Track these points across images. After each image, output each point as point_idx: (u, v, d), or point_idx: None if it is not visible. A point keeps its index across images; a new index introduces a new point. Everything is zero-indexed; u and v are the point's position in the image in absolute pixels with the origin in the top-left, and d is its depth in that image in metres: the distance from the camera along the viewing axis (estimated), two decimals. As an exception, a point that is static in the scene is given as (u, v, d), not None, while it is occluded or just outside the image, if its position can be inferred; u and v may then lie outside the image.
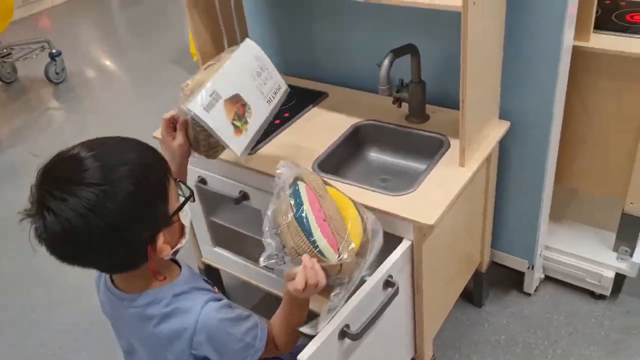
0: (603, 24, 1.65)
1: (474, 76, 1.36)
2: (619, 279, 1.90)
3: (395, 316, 1.44)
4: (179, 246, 1.09)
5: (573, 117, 1.70)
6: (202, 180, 1.72)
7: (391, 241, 1.38)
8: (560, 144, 1.70)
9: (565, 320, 1.88)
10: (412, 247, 1.39)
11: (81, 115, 3.65)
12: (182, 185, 1.09)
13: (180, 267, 1.15)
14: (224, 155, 1.59)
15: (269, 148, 1.64)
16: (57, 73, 3.95)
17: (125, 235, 0.95)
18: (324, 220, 1.11)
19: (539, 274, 1.95)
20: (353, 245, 1.13)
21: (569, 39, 1.49)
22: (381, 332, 1.35)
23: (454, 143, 1.53)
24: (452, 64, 1.38)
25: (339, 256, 1.10)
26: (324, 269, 1.09)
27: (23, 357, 2.05)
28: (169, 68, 3.91)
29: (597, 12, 1.59)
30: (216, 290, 1.17)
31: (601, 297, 1.93)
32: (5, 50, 3.99)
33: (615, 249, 1.87)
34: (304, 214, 1.10)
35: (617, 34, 1.63)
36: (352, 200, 1.23)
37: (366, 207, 1.26)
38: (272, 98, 1.47)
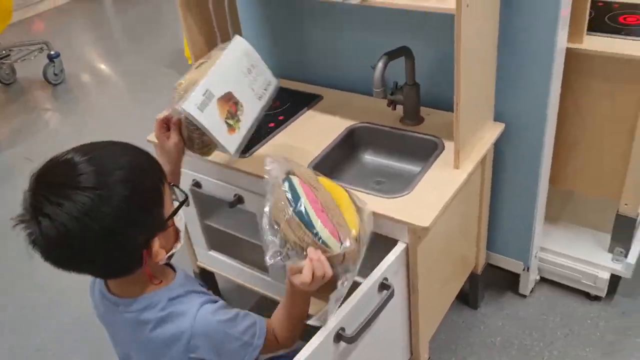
0: (596, 26, 1.66)
1: (467, 78, 1.36)
2: (614, 280, 1.90)
3: (391, 319, 1.43)
4: (173, 250, 1.08)
5: (567, 119, 1.71)
6: (197, 184, 1.71)
7: (386, 244, 1.38)
8: (554, 146, 1.71)
9: (560, 322, 1.88)
10: (407, 249, 1.39)
11: (79, 117, 3.67)
12: (177, 190, 1.09)
13: (174, 271, 1.14)
14: (218, 158, 1.60)
15: (264, 151, 1.64)
16: (55, 74, 3.97)
17: (120, 239, 0.95)
18: (322, 211, 1.11)
19: (534, 276, 1.95)
20: (353, 231, 1.13)
21: (562, 41, 1.50)
22: (377, 335, 1.35)
23: (449, 145, 1.54)
24: (446, 66, 1.39)
25: (341, 245, 1.10)
26: (328, 259, 1.09)
27: (23, 357, 2.05)
28: (164, 72, 3.90)
29: (590, 14, 1.60)
30: (211, 293, 1.17)
31: (596, 298, 1.93)
32: (4, 52, 4.00)
33: (610, 250, 1.88)
34: (302, 208, 1.10)
35: (611, 35, 1.63)
36: (344, 188, 1.23)
37: (361, 209, 1.26)
38: (263, 94, 1.48)
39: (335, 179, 1.52)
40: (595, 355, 1.77)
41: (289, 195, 1.11)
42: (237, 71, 1.41)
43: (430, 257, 1.46)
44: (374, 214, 1.34)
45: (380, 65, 1.48)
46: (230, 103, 1.37)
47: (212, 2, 1.75)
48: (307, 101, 1.85)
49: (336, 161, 1.67)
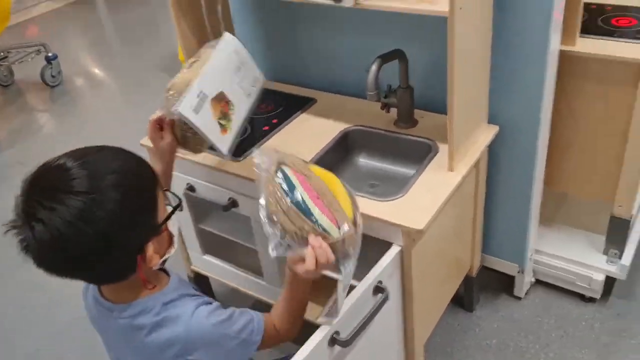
0: (589, 28, 1.67)
1: (461, 81, 1.36)
2: (609, 281, 1.90)
3: (386, 322, 1.43)
4: (167, 255, 1.08)
5: (561, 121, 1.71)
6: (191, 188, 1.71)
7: (380, 247, 1.38)
8: (548, 148, 1.71)
9: (555, 324, 1.88)
10: (401, 252, 1.38)
11: (76, 119, 3.69)
12: (170, 194, 1.09)
13: (168, 275, 1.14)
14: (212, 162, 1.60)
15: (258, 154, 1.64)
16: (53, 76, 3.98)
17: (114, 244, 0.94)
18: (318, 198, 1.11)
19: (529, 278, 1.96)
20: (348, 216, 1.13)
21: (555, 43, 1.50)
22: (371, 338, 1.35)
23: (443, 148, 1.54)
24: (440, 68, 1.39)
25: (340, 229, 1.10)
26: (329, 245, 1.08)
27: (23, 356, 2.05)
28: (158, 75, 3.90)
29: (583, 17, 1.60)
30: (204, 296, 1.16)
31: (591, 300, 1.93)
32: (1, 54, 4.01)
33: (605, 252, 1.88)
34: (299, 197, 1.09)
35: (603, 38, 1.64)
36: (334, 174, 1.23)
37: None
38: (251, 92, 1.48)
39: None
40: (590, 357, 1.77)
41: (284, 186, 1.10)
42: (228, 70, 1.41)
43: (425, 260, 1.46)
44: (368, 217, 1.34)
45: (373, 68, 1.48)
46: (222, 103, 1.37)
47: (205, 6, 1.76)
48: (301, 104, 1.85)
49: (330, 164, 1.66)
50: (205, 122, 1.32)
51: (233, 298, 2.04)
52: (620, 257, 1.85)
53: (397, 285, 1.43)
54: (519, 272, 1.91)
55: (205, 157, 1.62)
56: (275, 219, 1.08)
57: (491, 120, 1.63)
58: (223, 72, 1.40)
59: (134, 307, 1.06)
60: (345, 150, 1.73)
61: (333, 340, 1.20)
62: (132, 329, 1.06)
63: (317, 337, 1.16)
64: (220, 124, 1.38)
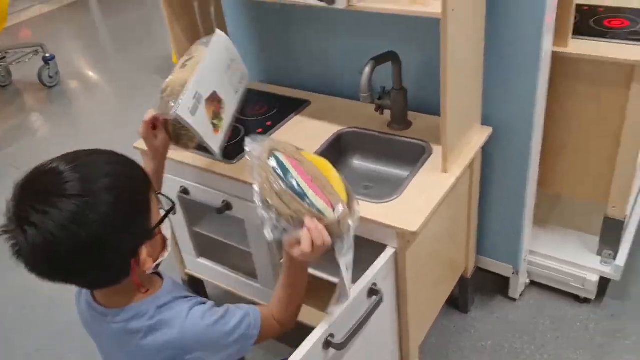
0: (582, 30, 1.67)
1: (454, 83, 1.36)
2: (603, 282, 1.91)
3: (380, 324, 1.43)
4: (161, 259, 1.08)
5: (554, 123, 1.72)
6: (185, 191, 1.70)
7: (375, 248, 1.38)
8: (542, 149, 1.71)
9: (550, 325, 1.89)
10: (395, 254, 1.38)
11: (73, 119, 3.72)
12: (163, 198, 1.08)
13: (162, 279, 1.14)
14: (206, 164, 1.59)
15: (252, 157, 1.63)
16: (50, 77, 3.99)
17: (108, 247, 0.94)
18: (311, 181, 1.11)
19: (523, 279, 1.96)
20: (342, 198, 1.14)
21: (548, 44, 1.51)
22: (366, 340, 1.34)
23: (437, 149, 1.54)
24: (433, 70, 1.39)
25: (334, 211, 1.10)
26: (325, 227, 1.08)
27: (23, 357, 2.05)
28: (151, 77, 3.90)
29: (575, 18, 1.61)
30: (198, 297, 1.16)
31: (586, 300, 1.94)
32: None
33: (599, 253, 1.88)
34: (294, 180, 1.10)
35: (596, 39, 1.64)
36: (325, 159, 1.24)
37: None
38: (238, 88, 1.50)
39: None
40: (585, 357, 1.77)
41: (279, 171, 1.11)
42: (220, 69, 1.42)
43: (420, 262, 1.46)
44: (363, 219, 1.34)
45: (367, 70, 1.48)
46: (215, 103, 1.38)
47: (198, 9, 1.75)
48: (294, 106, 1.85)
49: (324, 166, 1.66)
50: (200, 123, 1.34)
51: (227, 301, 2.00)
52: (614, 258, 1.85)
53: (392, 287, 1.43)
54: (513, 273, 1.91)
55: (199, 160, 1.62)
56: (270, 203, 1.08)
57: (485, 121, 1.63)
58: (216, 71, 1.41)
59: (128, 311, 1.05)
60: (339, 152, 1.73)
61: (327, 343, 1.20)
62: (126, 334, 1.06)
63: (312, 340, 1.16)
64: (213, 123, 1.38)
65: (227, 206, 1.62)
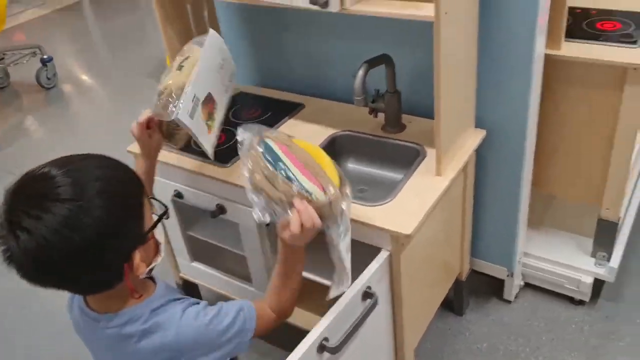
0: (574, 33, 1.67)
1: (447, 86, 1.36)
2: (598, 284, 1.91)
3: (375, 328, 1.43)
4: (154, 264, 1.07)
5: (548, 125, 1.72)
6: (179, 194, 1.70)
7: (369, 252, 1.38)
8: (536, 152, 1.72)
9: (545, 327, 1.89)
10: (390, 257, 1.38)
11: (69, 121, 3.74)
12: (156, 202, 1.08)
13: (155, 283, 1.13)
14: (200, 168, 1.59)
15: (245, 160, 1.63)
16: (48, 78, 4.00)
17: (101, 251, 0.94)
18: (302, 166, 1.13)
19: (518, 281, 1.96)
20: (333, 181, 1.15)
21: (540, 47, 1.51)
22: (361, 344, 1.34)
23: (431, 152, 1.54)
24: (427, 73, 1.39)
25: (325, 192, 1.11)
26: (316, 210, 1.10)
27: (23, 357, 2.05)
28: (146, 81, 3.90)
29: (568, 21, 1.61)
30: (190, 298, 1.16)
31: (580, 302, 1.94)
32: None
33: (593, 255, 1.89)
34: (282, 164, 1.12)
35: (589, 42, 1.64)
36: (318, 147, 1.25)
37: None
38: (228, 87, 1.51)
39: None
40: (580, 359, 1.77)
41: (267, 155, 1.13)
42: (214, 69, 1.43)
43: (414, 265, 1.46)
44: (357, 222, 1.34)
45: (360, 73, 1.48)
46: (209, 104, 1.40)
47: (191, 12, 1.75)
48: (288, 110, 1.85)
49: (318, 170, 1.66)
50: (198, 125, 1.36)
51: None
52: (608, 260, 1.86)
53: (386, 290, 1.43)
54: (508, 275, 1.91)
55: (192, 164, 1.61)
56: (259, 186, 1.10)
57: (478, 124, 1.63)
58: (210, 73, 1.42)
59: (122, 316, 1.05)
60: (333, 155, 1.68)
61: (322, 347, 1.19)
62: (120, 338, 1.05)
63: (306, 344, 1.16)
64: (207, 125, 1.40)
65: (221, 210, 1.62)
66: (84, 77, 4.38)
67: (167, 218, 1.10)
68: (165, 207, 1.09)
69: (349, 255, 1.17)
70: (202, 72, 1.37)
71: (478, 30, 1.47)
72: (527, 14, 1.43)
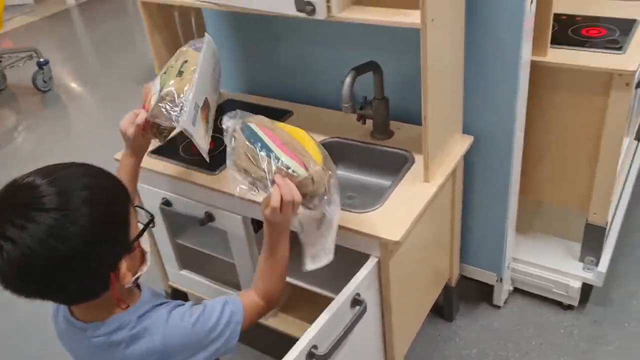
0: (560, 39, 1.69)
1: (435, 92, 1.37)
2: (586, 288, 1.92)
3: (365, 334, 1.42)
4: (140, 273, 1.07)
5: (534, 131, 1.73)
6: (167, 202, 1.69)
7: (358, 258, 1.37)
8: (523, 157, 1.72)
9: (534, 332, 1.89)
10: (379, 264, 1.38)
11: (66, 123, 3.79)
12: (142, 211, 1.08)
13: (140, 289, 1.13)
14: (188, 176, 1.58)
15: (234, 168, 1.63)
16: (44, 81, 4.03)
17: (87, 261, 0.93)
18: (283, 145, 1.16)
19: (507, 286, 1.96)
20: (316, 159, 1.17)
21: (527, 54, 1.52)
22: (350, 351, 1.34)
23: (419, 158, 1.54)
24: (414, 80, 1.39)
25: (306, 169, 1.13)
26: (298, 186, 1.12)
27: (23, 357, 2.05)
28: (134, 88, 3.88)
29: (553, 27, 1.63)
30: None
31: (569, 307, 1.95)
32: None
33: (581, 259, 1.90)
34: (263, 143, 1.15)
35: (574, 48, 1.66)
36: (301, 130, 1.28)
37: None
38: (217, 88, 1.54)
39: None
40: (569, 364, 1.79)
41: (250, 137, 1.16)
42: (209, 75, 1.45)
43: (403, 271, 1.46)
44: (345, 229, 1.34)
45: (348, 80, 1.49)
46: (206, 109, 1.41)
47: (179, 19, 1.75)
48: (277, 117, 1.81)
49: (307, 176, 1.66)
50: (198, 131, 1.38)
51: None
52: (596, 264, 1.87)
53: (375, 297, 1.43)
54: (497, 280, 1.92)
55: (180, 171, 1.61)
56: (241, 165, 1.13)
57: (466, 130, 1.64)
58: (207, 78, 1.45)
59: (109, 324, 1.04)
60: None
61: (311, 355, 1.19)
62: (108, 346, 1.04)
63: (295, 352, 1.15)
64: (205, 129, 1.42)
65: (210, 217, 1.61)
66: (73, 85, 4.37)
67: (153, 226, 1.10)
68: (151, 215, 1.08)
69: (333, 231, 1.18)
70: (201, 78, 1.40)
71: (465, 37, 1.48)
72: (513, 20, 1.44)
